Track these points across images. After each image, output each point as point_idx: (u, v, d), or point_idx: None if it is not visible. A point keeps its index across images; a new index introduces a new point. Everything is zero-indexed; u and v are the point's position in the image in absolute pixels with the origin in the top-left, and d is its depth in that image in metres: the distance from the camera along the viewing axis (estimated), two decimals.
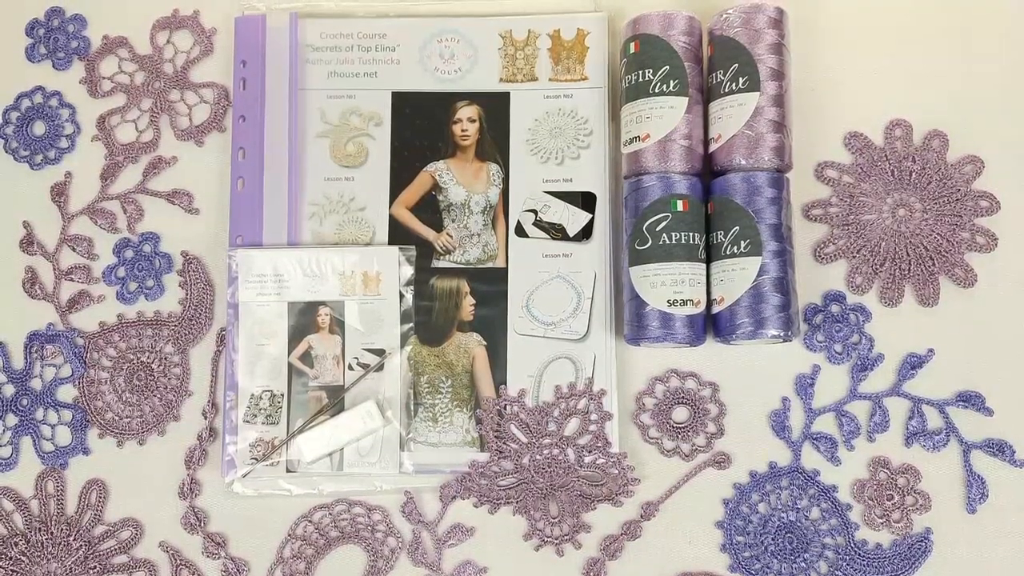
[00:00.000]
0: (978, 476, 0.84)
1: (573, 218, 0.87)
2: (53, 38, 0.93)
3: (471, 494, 0.84)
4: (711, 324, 0.84)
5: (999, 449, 0.84)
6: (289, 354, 0.86)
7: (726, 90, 0.83)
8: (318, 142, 0.89)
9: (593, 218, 0.87)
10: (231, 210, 0.88)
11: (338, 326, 0.86)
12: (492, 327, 0.86)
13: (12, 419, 0.87)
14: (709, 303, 0.83)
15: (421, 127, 0.89)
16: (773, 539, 0.83)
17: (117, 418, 0.87)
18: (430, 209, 0.88)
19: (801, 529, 0.83)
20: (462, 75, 0.90)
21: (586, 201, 0.87)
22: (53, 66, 0.93)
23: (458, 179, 0.88)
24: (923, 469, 0.84)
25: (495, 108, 0.89)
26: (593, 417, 0.84)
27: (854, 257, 0.87)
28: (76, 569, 0.84)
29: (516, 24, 0.90)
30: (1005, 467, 0.84)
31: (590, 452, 0.84)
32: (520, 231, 0.87)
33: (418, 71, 0.90)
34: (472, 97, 0.89)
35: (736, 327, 0.81)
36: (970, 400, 0.85)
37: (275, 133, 0.88)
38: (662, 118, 0.82)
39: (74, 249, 0.90)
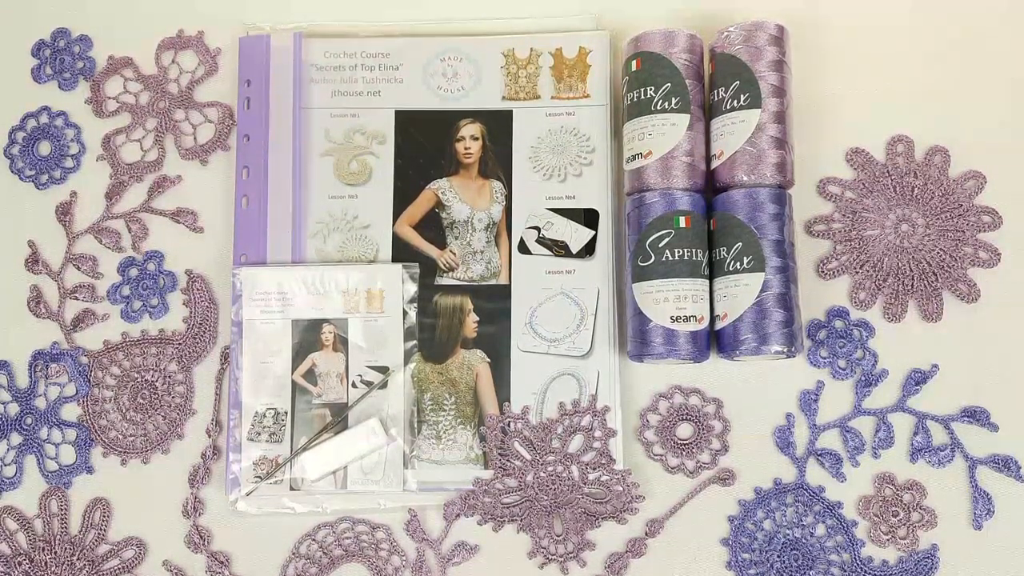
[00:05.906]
0: (984, 492, 0.83)
1: (576, 235, 0.88)
2: (59, 59, 0.94)
3: (475, 512, 0.84)
4: (715, 340, 0.84)
5: (1005, 464, 0.84)
6: (293, 372, 0.86)
7: (728, 107, 0.83)
8: (322, 161, 0.90)
9: (596, 235, 0.87)
10: (235, 228, 0.88)
11: (342, 344, 0.86)
12: (495, 344, 0.86)
13: (16, 438, 0.87)
14: (712, 319, 0.83)
15: (424, 145, 0.90)
16: (779, 556, 0.83)
17: (121, 437, 0.87)
18: (433, 227, 0.88)
19: (807, 546, 0.83)
20: (465, 93, 0.90)
21: (589, 218, 0.88)
22: (59, 86, 0.94)
23: (461, 197, 0.89)
24: (928, 485, 0.84)
25: (498, 126, 0.90)
26: (597, 434, 0.84)
27: (857, 273, 0.87)
28: None
29: (518, 43, 0.91)
30: (1011, 483, 0.84)
31: (594, 469, 0.84)
32: (523, 248, 0.88)
33: (421, 90, 0.90)
34: (475, 115, 0.90)
35: (740, 343, 0.81)
36: (975, 415, 0.84)
37: (279, 152, 0.89)
38: (664, 135, 0.83)
39: (79, 268, 0.90)
